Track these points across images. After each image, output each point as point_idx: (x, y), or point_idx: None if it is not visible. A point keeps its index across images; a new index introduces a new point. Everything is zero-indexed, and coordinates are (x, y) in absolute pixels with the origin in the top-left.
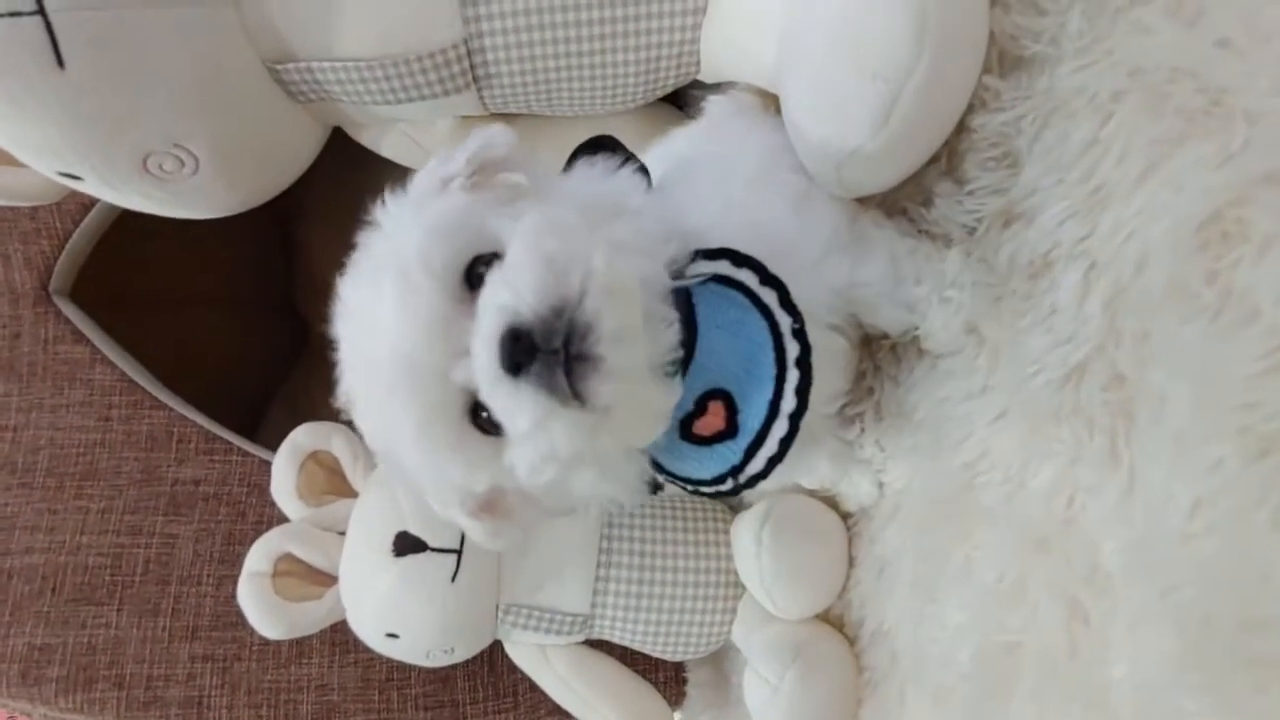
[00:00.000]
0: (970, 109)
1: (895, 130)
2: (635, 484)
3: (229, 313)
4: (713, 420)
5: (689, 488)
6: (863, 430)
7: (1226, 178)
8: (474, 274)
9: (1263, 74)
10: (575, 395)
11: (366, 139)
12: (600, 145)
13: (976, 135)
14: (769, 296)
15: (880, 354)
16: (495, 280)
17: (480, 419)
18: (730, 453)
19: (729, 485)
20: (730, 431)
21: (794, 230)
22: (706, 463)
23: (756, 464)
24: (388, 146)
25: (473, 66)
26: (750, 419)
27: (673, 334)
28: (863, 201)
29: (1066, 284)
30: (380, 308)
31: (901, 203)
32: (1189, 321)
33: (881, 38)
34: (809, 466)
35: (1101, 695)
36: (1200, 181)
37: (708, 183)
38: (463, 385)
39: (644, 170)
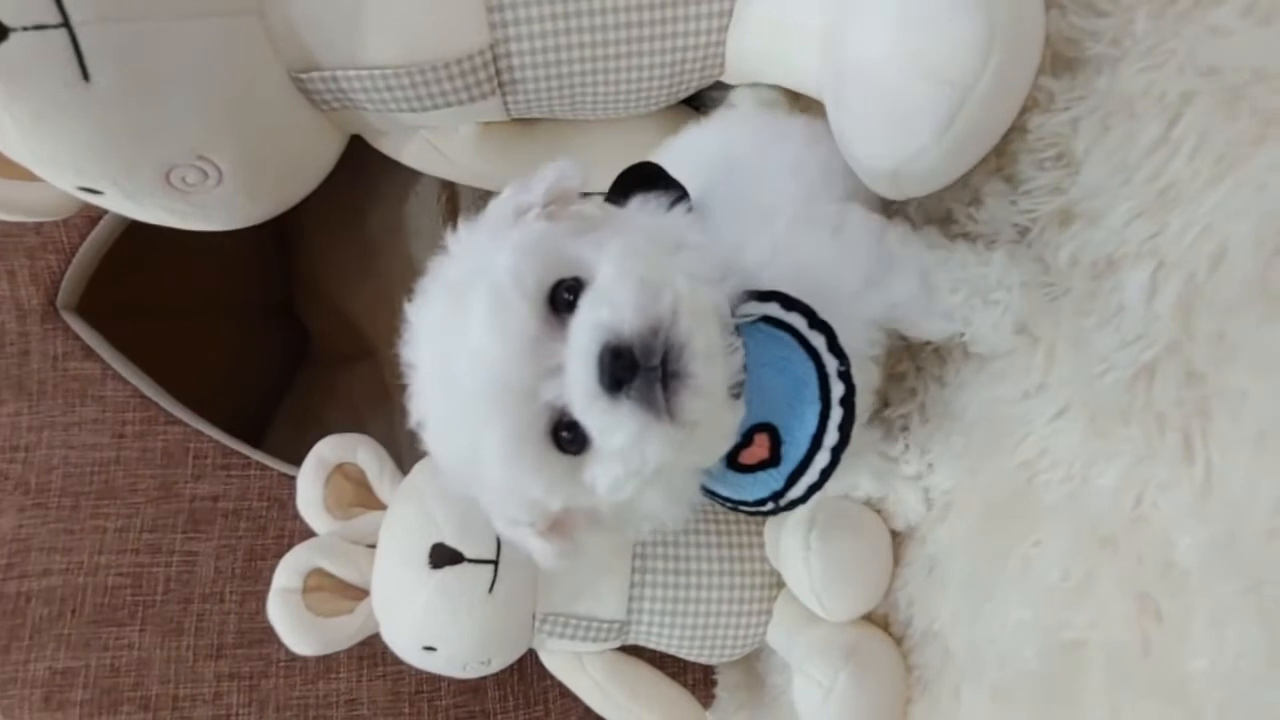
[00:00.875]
0: (1025, 109)
1: (959, 134)
2: (692, 504)
3: (230, 321)
4: (758, 450)
5: (729, 506)
6: (907, 447)
7: None
8: (558, 297)
9: None
10: (668, 411)
11: (387, 146)
12: (645, 174)
13: (1031, 136)
14: (818, 340)
15: (923, 355)
16: (591, 300)
17: (560, 438)
18: (773, 480)
19: (769, 507)
20: (774, 460)
21: (834, 267)
22: (750, 488)
23: (797, 490)
24: (409, 154)
25: (498, 73)
26: (793, 450)
27: (738, 359)
28: (896, 208)
29: (1134, 283)
30: (468, 327)
31: (947, 204)
32: (1270, 320)
33: (951, 43)
34: (851, 483)
35: (1180, 689)
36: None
37: (754, 218)
38: (550, 404)
39: (686, 194)
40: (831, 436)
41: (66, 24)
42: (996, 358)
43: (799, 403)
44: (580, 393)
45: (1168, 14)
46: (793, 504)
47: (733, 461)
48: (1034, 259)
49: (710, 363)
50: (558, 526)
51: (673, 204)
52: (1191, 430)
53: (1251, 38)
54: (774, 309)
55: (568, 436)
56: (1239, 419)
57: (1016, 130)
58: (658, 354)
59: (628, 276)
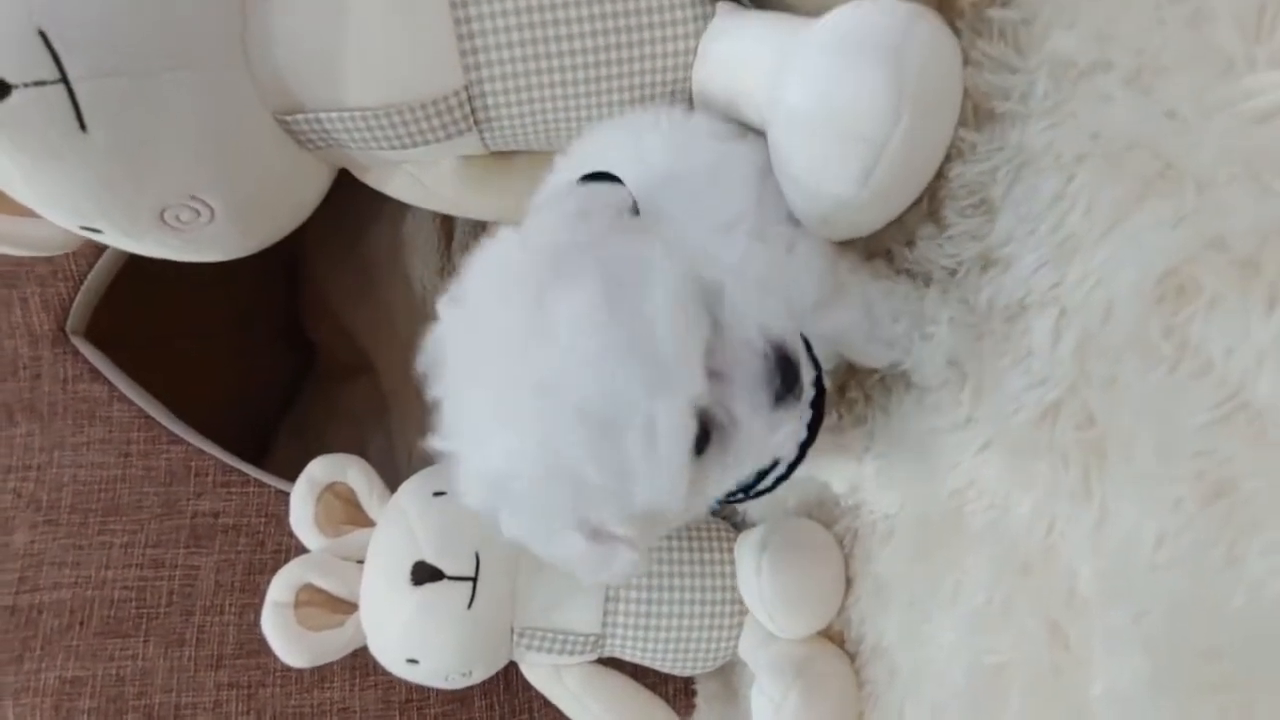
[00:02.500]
0: (948, 158)
1: (878, 185)
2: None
3: (237, 340)
4: None
5: None
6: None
7: (1179, 239)
8: None
9: (1206, 146)
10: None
11: (372, 180)
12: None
13: (954, 184)
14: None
15: (870, 384)
16: (742, 308)
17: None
18: None
19: (739, 497)
20: None
21: (787, 285)
22: None
23: (766, 483)
24: (393, 187)
25: (474, 111)
26: None
27: None
28: (845, 244)
29: (1040, 328)
30: (635, 317)
31: (886, 243)
32: (1150, 370)
33: (863, 101)
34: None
35: (1083, 712)
36: (1157, 240)
37: (716, 227)
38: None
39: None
40: (800, 434)
41: (65, 80)
42: (932, 391)
43: None
44: (752, 400)
45: (1066, 77)
46: (760, 493)
47: None
48: (960, 300)
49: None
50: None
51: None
52: (1090, 468)
53: (1132, 105)
54: None
55: (701, 441)
56: (1128, 460)
57: (942, 178)
58: (807, 367)
59: (765, 287)
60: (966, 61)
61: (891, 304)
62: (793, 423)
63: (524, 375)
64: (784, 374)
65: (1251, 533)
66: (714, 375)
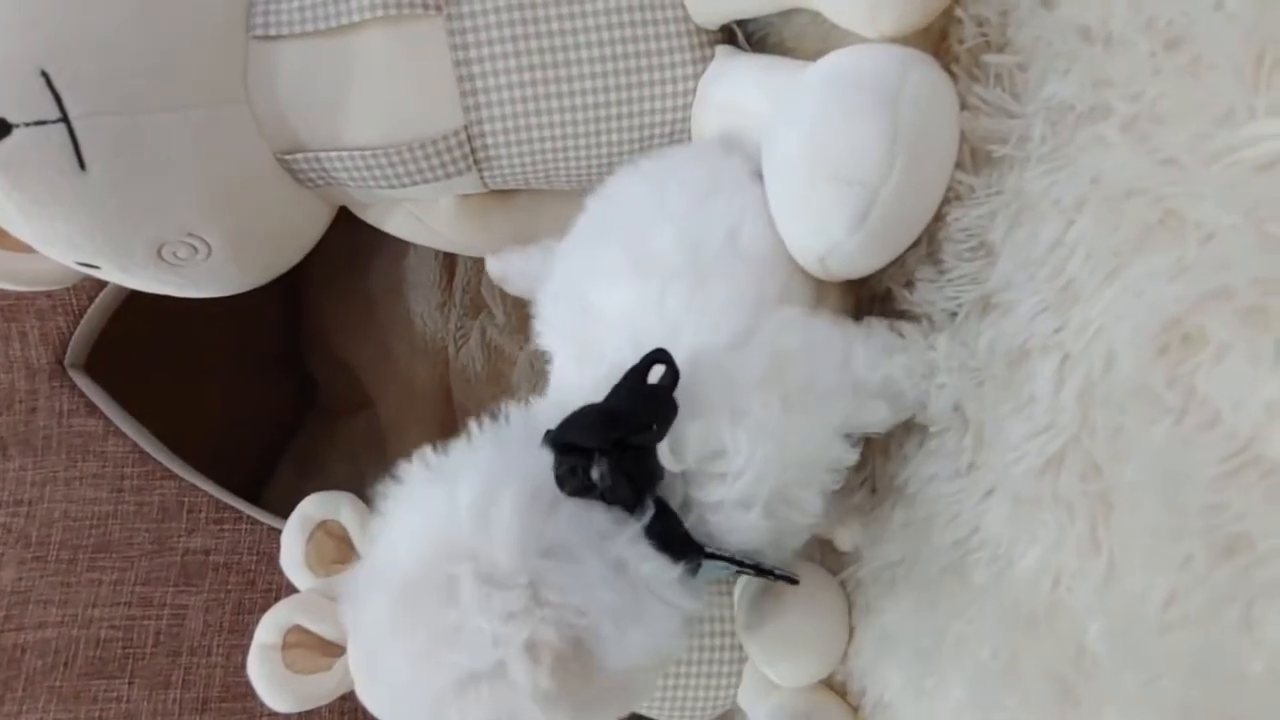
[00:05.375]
0: (947, 201)
1: (873, 230)
2: None
3: (236, 376)
4: None
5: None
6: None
7: (1181, 289)
8: None
9: (1207, 195)
10: None
11: (371, 217)
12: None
13: (953, 227)
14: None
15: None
16: None
17: None
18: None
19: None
20: None
21: (812, 452)
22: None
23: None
24: (392, 224)
25: (474, 150)
26: None
27: None
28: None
29: (1042, 374)
30: None
31: (885, 284)
32: (1155, 422)
33: (855, 145)
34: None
35: None
36: (1157, 290)
37: (723, 420)
38: None
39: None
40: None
41: (65, 119)
42: (933, 436)
43: None
44: None
45: (1063, 122)
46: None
47: None
48: (960, 343)
49: None
50: None
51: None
52: (1097, 521)
53: (1130, 153)
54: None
55: None
56: (1135, 513)
57: (941, 220)
58: None
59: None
60: (963, 106)
61: (909, 371)
62: None
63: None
64: None
65: (1271, 594)
66: None
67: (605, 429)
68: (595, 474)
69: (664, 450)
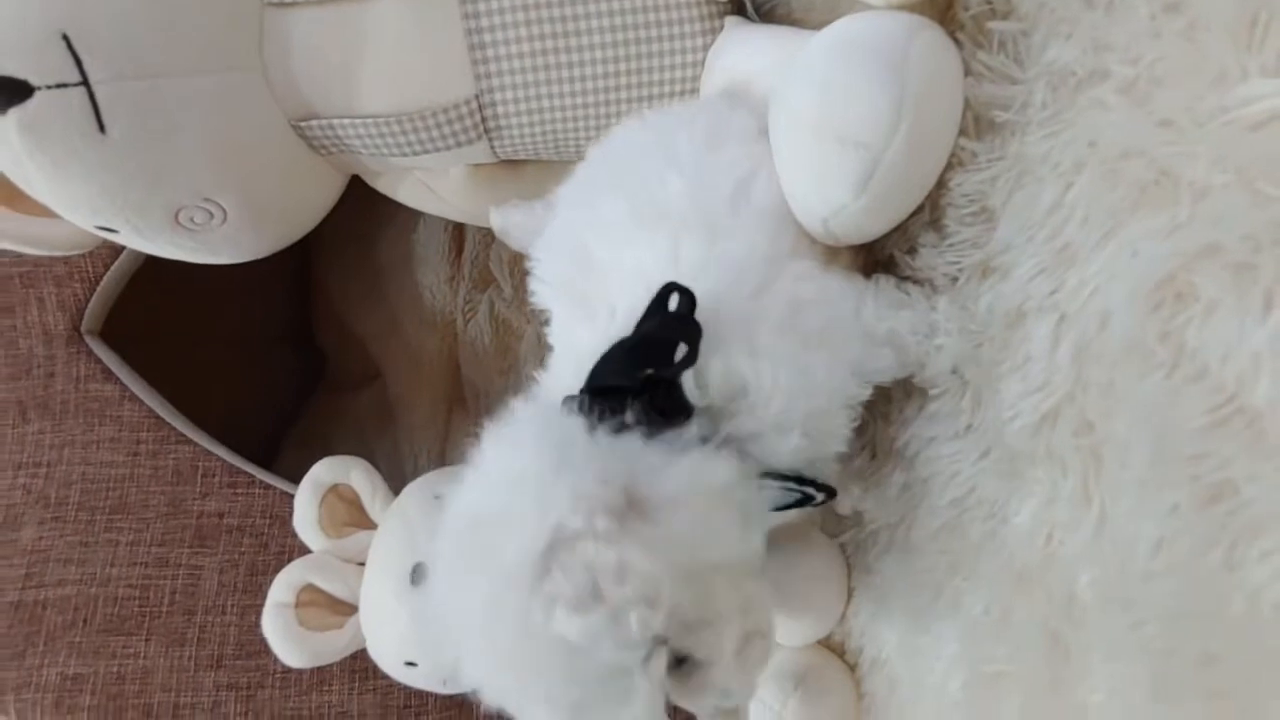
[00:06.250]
0: (949, 167)
1: (876, 192)
2: None
3: (247, 348)
4: None
5: None
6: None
7: (1175, 246)
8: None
9: (1200, 155)
10: None
11: (383, 186)
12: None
13: (955, 193)
14: (818, 493)
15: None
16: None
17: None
18: None
19: None
20: None
21: (826, 383)
22: None
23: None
24: (403, 193)
25: (484, 119)
26: None
27: None
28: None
29: (1039, 335)
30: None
31: (889, 250)
32: (1146, 376)
33: (861, 108)
34: None
35: None
36: (1152, 248)
37: (737, 332)
38: None
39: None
40: None
41: (85, 82)
42: (933, 399)
43: None
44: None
45: (1064, 86)
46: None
47: None
48: (960, 307)
49: None
50: None
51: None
52: (1088, 475)
53: (1127, 115)
54: (786, 484)
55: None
56: (1125, 466)
57: (944, 187)
58: None
59: (748, 671)
60: (967, 72)
61: (913, 328)
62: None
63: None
64: None
65: (1250, 537)
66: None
67: (638, 361)
68: (630, 416)
69: (689, 386)
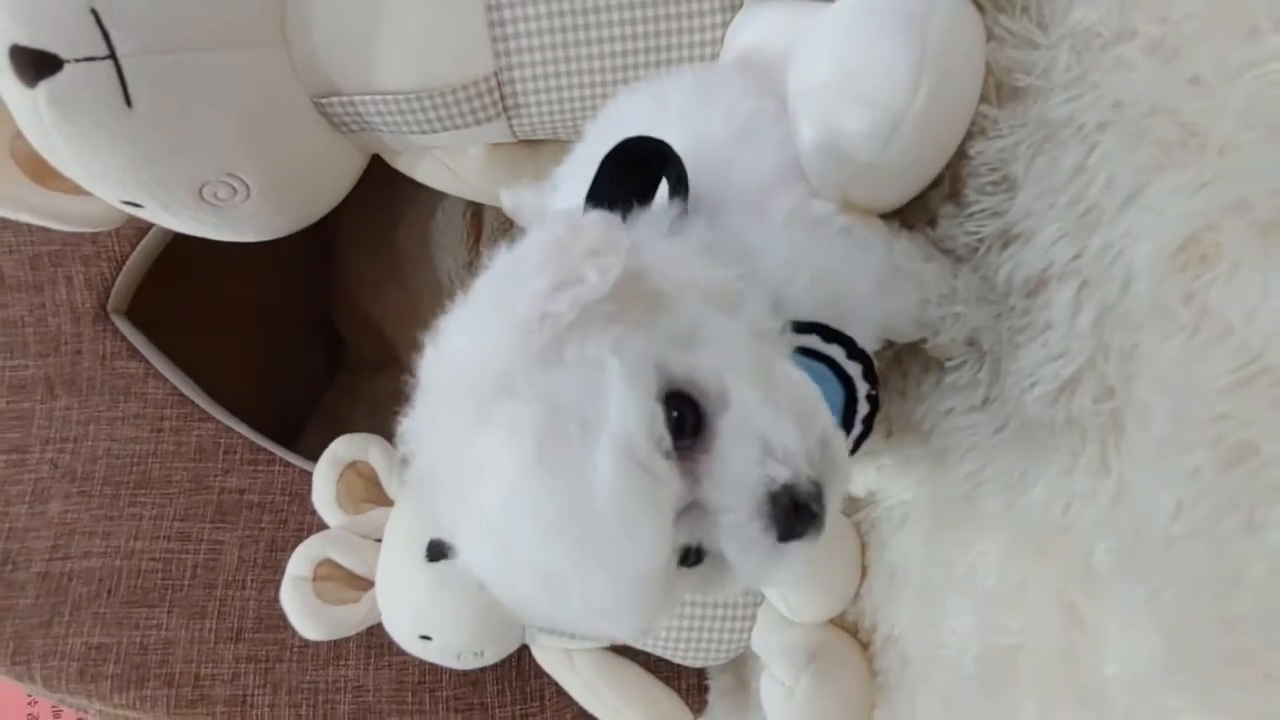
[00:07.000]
0: (969, 136)
1: (895, 155)
2: None
3: (269, 330)
4: None
5: None
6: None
7: (1200, 204)
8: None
9: (1229, 110)
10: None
11: (402, 164)
12: (640, 156)
13: (975, 161)
14: (854, 369)
15: (884, 366)
16: (742, 439)
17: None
18: None
19: None
20: None
21: (847, 275)
22: None
23: None
24: (422, 172)
25: (503, 97)
26: None
27: None
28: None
29: (1060, 301)
30: (588, 485)
31: (909, 221)
32: (1169, 338)
33: (881, 68)
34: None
35: (1096, 692)
36: (1177, 207)
37: (749, 209)
38: (685, 544)
39: (683, 174)
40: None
41: (113, 56)
42: (950, 372)
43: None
44: (742, 540)
45: (1089, 48)
46: None
47: None
48: (981, 276)
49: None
50: None
51: (672, 194)
52: (1107, 443)
53: (1153, 74)
54: (815, 341)
55: (693, 560)
56: (1144, 430)
57: (964, 156)
58: (818, 499)
59: (780, 410)
60: (989, 37)
61: (938, 286)
62: (805, 550)
63: (473, 509)
64: (793, 517)
65: (1273, 498)
66: (698, 508)
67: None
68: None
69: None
